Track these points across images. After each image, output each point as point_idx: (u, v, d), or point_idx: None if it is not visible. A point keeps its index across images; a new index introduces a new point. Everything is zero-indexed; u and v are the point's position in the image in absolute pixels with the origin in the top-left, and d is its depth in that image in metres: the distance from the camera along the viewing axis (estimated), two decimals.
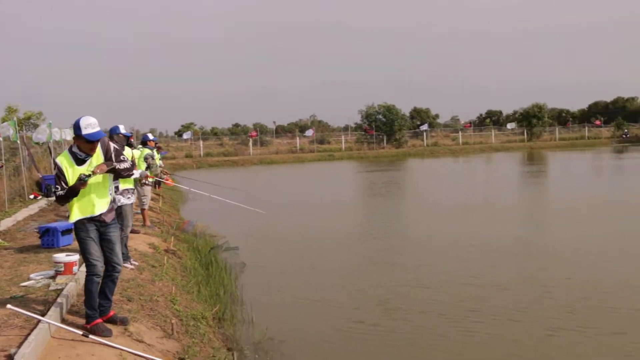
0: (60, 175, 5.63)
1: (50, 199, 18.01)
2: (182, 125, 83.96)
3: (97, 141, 5.74)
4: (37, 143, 22.43)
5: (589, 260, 11.89)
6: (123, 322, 6.11)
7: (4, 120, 19.40)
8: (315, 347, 7.87)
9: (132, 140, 11.21)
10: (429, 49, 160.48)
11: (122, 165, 5.89)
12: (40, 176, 20.01)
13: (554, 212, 18.96)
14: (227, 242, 13.24)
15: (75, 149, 5.75)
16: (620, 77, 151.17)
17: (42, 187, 19.21)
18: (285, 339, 7.94)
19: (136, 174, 10.24)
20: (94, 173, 5.55)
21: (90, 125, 5.61)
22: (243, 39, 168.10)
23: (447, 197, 23.39)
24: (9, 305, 5.36)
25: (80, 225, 5.76)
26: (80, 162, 5.71)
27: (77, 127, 5.61)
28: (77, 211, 5.72)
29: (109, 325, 5.86)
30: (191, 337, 6.59)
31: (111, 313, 6.09)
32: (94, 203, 5.76)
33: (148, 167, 12.59)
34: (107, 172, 5.75)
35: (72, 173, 5.65)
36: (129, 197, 9.11)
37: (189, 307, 7.90)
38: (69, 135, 26.80)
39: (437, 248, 13.56)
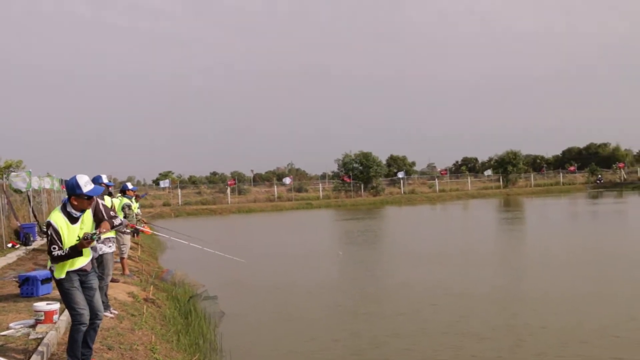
0: (55, 236, 5.73)
1: (28, 247, 17.95)
2: (160, 174, 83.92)
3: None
4: (16, 190, 22.37)
5: (566, 308, 11.96)
6: None
7: None
8: None
9: (112, 189, 11.35)
10: (404, 100, 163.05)
11: (117, 222, 6.11)
12: (19, 224, 19.94)
13: (530, 259, 19.17)
14: (206, 291, 13.24)
15: (70, 209, 5.88)
16: (592, 124, 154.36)
17: (21, 236, 19.12)
18: None
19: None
20: (98, 234, 5.74)
21: (89, 183, 5.85)
22: (223, 86, 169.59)
23: (424, 245, 23.61)
24: None
25: (64, 276, 5.87)
26: (74, 220, 5.87)
27: (76, 187, 5.78)
28: (64, 267, 5.85)
29: None
30: None
31: None
32: (81, 257, 5.90)
33: (125, 217, 12.70)
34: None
35: (67, 233, 5.79)
36: (110, 246, 9.21)
37: (168, 356, 7.95)
38: (47, 183, 26.75)
39: (414, 296, 13.68)
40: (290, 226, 38.97)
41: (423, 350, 9.57)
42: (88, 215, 6.00)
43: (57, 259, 5.76)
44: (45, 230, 5.80)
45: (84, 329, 5.91)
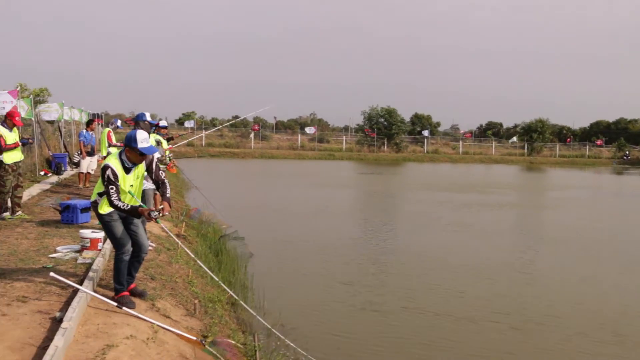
0: (113, 177, 5.82)
1: (60, 176, 18.30)
2: (183, 114, 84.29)
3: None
4: (49, 121, 22.73)
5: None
6: (141, 295, 6.43)
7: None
8: (326, 336, 8.27)
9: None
10: (434, 61, 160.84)
11: (169, 191, 6.33)
12: (51, 154, 20.30)
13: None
14: (236, 232, 13.46)
15: (124, 157, 6.00)
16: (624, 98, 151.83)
17: (52, 165, 19.48)
18: (296, 326, 8.36)
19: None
20: (162, 215, 5.92)
21: (145, 140, 5.95)
22: (250, 30, 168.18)
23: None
24: (51, 274, 5.66)
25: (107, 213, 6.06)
26: (127, 170, 6.02)
27: (133, 140, 5.90)
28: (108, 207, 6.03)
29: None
30: (210, 317, 6.93)
31: (132, 286, 6.41)
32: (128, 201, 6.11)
33: None
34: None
35: (122, 180, 5.94)
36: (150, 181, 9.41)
37: (204, 290, 8.24)
38: (76, 115, 27.03)
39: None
40: (317, 176, 38.89)
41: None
42: (141, 168, 6.17)
43: (115, 206, 5.84)
44: (102, 172, 5.81)
45: (126, 258, 6.10)
